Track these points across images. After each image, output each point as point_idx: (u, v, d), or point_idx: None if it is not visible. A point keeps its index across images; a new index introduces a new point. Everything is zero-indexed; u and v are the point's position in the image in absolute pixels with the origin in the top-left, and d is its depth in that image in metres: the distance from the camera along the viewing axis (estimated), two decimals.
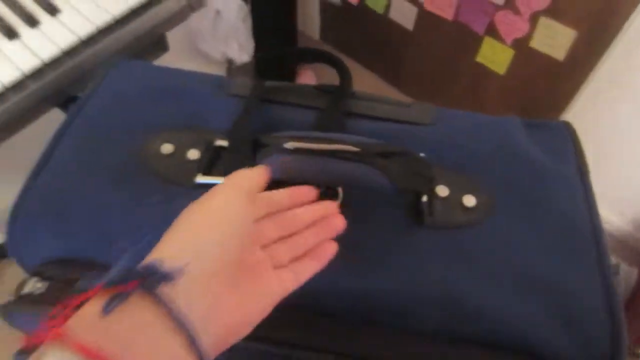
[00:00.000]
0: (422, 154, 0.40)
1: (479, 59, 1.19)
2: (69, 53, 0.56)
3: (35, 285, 0.39)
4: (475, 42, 1.17)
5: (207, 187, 0.40)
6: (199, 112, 0.46)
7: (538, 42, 1.04)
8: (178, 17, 0.64)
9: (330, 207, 0.34)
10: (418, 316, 0.36)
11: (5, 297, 0.40)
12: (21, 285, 0.39)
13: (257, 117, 0.44)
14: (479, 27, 1.13)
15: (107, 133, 0.44)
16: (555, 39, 1.01)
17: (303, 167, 0.36)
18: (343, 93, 0.46)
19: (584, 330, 0.35)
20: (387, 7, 1.31)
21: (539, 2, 0.98)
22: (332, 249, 0.33)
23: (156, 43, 0.65)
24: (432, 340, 0.35)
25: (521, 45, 1.08)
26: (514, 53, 1.11)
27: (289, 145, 0.36)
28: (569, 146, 0.44)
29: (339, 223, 0.34)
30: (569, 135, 0.44)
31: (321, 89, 0.47)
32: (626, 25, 0.91)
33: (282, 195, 0.33)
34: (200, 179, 0.41)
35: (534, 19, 1.01)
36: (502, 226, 0.39)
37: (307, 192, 0.35)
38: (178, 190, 0.40)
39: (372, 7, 1.36)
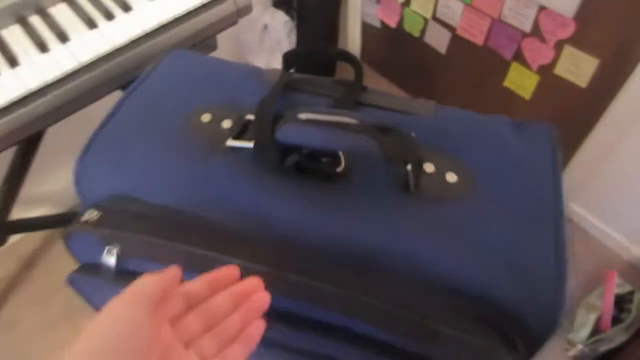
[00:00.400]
0: (412, 134, 0.47)
1: (507, 83, 1.25)
2: (135, 42, 0.67)
3: (91, 214, 0.48)
4: (503, 67, 1.23)
5: (236, 149, 0.49)
6: (236, 94, 0.55)
7: (562, 69, 1.10)
8: (228, 21, 0.75)
9: (254, 283, 0.34)
10: (393, 267, 0.42)
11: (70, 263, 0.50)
12: (80, 215, 0.49)
13: (281, 99, 0.53)
14: (507, 53, 1.20)
15: (159, 104, 0.54)
16: (578, 67, 1.06)
17: (311, 133, 0.44)
18: (356, 86, 0.55)
19: (537, 289, 0.41)
20: (423, 31, 1.40)
21: (564, 31, 1.04)
22: (259, 328, 0.33)
23: (207, 42, 0.76)
24: (407, 289, 0.42)
25: (546, 72, 1.14)
26: (539, 79, 1.16)
27: (302, 116, 0.45)
28: (546, 143, 0.50)
29: (264, 299, 0.33)
30: (549, 134, 0.51)
31: (338, 82, 0.56)
32: None
33: (199, 285, 0.33)
34: (231, 142, 0.49)
35: (558, 46, 1.07)
36: (478, 201, 0.45)
37: (227, 274, 0.34)
38: (212, 151, 0.49)
39: (409, 31, 1.45)
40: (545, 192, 0.46)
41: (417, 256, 0.42)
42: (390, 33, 1.51)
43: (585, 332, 1.05)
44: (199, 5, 0.71)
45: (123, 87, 0.71)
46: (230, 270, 0.34)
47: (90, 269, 0.50)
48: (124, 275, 0.48)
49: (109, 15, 0.69)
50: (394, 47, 1.55)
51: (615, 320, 1.08)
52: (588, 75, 1.05)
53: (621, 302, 1.11)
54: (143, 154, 0.49)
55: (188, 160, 0.48)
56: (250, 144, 0.49)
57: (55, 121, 0.66)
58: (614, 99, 1.04)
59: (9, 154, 0.95)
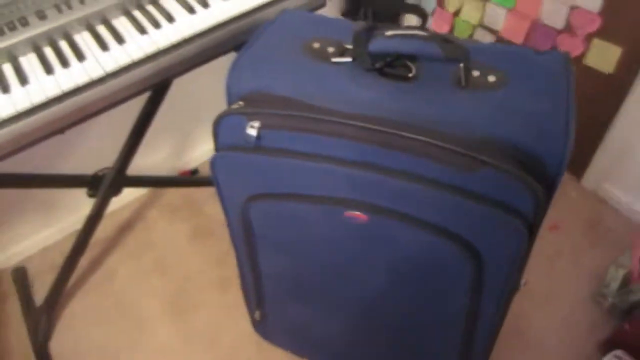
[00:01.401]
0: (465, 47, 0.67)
1: None
2: (245, 14, 0.91)
3: (238, 104, 0.70)
4: None
5: (338, 64, 0.70)
6: (336, 33, 0.77)
7: (591, 60, 1.27)
8: (318, 2, 0.98)
9: None
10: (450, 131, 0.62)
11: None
12: (229, 107, 0.71)
13: (369, 33, 0.74)
14: (544, 49, 1.38)
15: (283, 35, 0.77)
16: (604, 56, 1.23)
17: (394, 42, 0.65)
18: (422, 26, 0.76)
19: (553, 142, 0.59)
20: (471, 37, 1.61)
21: (591, 25, 1.22)
22: None
23: None
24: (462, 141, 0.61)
25: (578, 63, 1.31)
26: None
27: (388, 32, 0.66)
28: (561, 59, 0.69)
29: None
30: (564, 55, 0.70)
31: (408, 26, 0.77)
32: None
33: None
34: (335, 59, 0.71)
35: (588, 39, 1.25)
36: (512, 90, 0.64)
37: None
38: (321, 64, 0.71)
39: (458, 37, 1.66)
40: (560, 86, 0.65)
41: (469, 121, 0.62)
42: None
43: (614, 285, 1.17)
44: None
45: (236, 49, 0.94)
46: None
47: (231, 148, 0.72)
48: (260, 150, 0.69)
49: None
50: None
51: None
52: (613, 63, 1.22)
53: None
54: (274, 63, 0.72)
55: (305, 68, 0.70)
56: (349, 59, 0.70)
57: (184, 71, 0.89)
58: (636, 78, 1.20)
59: (135, 113, 1.21)
